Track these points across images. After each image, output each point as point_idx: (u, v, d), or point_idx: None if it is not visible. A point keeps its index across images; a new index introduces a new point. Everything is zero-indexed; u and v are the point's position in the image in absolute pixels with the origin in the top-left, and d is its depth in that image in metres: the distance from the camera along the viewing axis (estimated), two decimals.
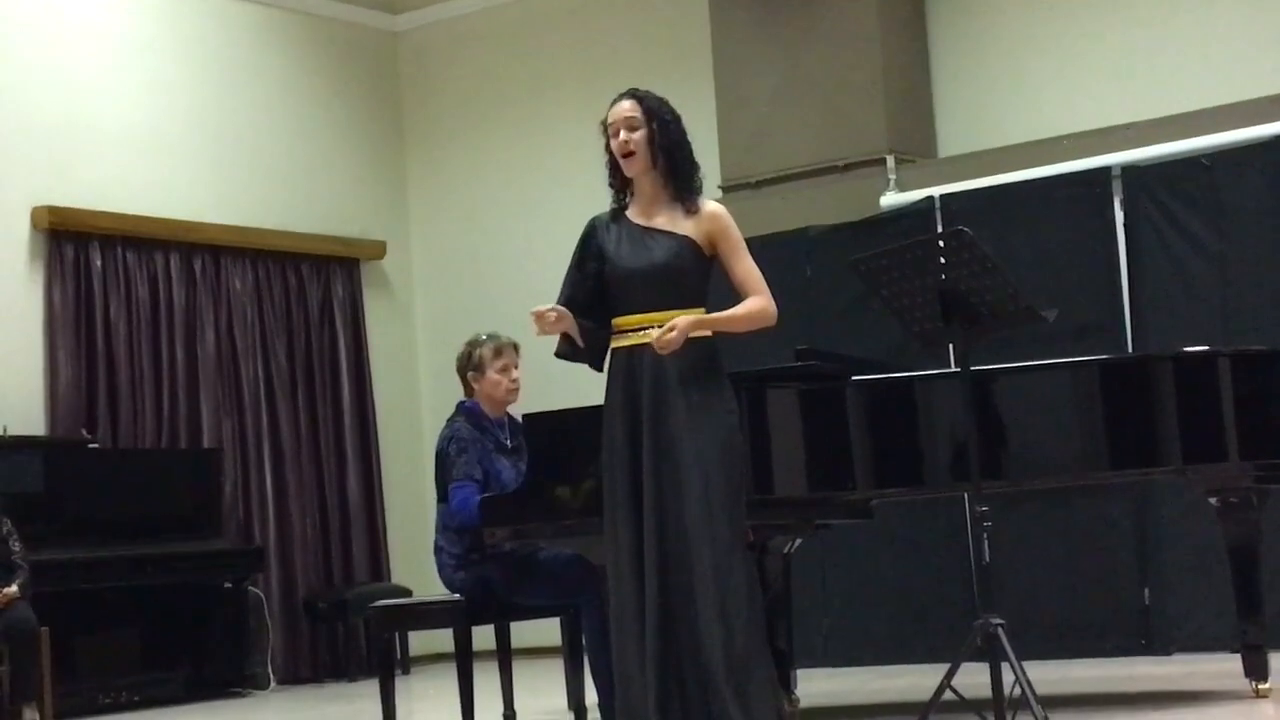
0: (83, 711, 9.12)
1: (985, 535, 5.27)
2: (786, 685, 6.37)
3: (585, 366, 5.45)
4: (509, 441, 6.63)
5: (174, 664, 9.91)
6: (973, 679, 5.13)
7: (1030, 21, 9.77)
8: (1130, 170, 8.56)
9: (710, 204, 5.26)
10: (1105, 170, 8.64)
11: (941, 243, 5.39)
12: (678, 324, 5.05)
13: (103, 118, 10.62)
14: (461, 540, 6.44)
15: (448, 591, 6.55)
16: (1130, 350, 8.31)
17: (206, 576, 10.08)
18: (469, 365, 6.67)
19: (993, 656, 5.16)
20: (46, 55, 10.39)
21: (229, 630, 10.13)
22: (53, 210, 10.12)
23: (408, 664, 10.64)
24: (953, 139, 9.91)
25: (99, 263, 10.33)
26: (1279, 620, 6.90)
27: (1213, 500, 6.08)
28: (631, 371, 5.19)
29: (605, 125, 5.25)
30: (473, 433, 6.54)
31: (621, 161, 5.22)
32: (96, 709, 9.25)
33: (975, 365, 5.49)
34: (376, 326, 12.02)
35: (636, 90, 5.29)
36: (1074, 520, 8.47)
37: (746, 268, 5.23)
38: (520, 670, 7.22)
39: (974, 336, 5.41)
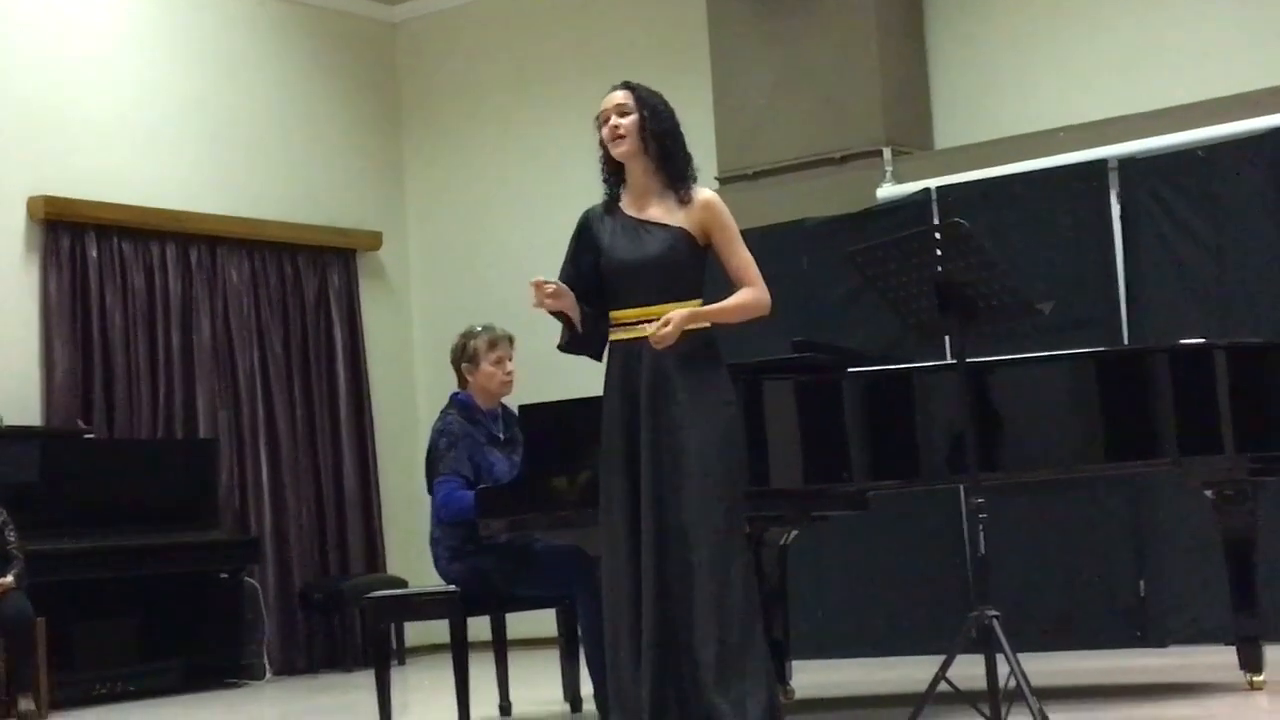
0: (79, 702, 9.12)
1: (981, 527, 5.27)
2: (782, 677, 6.38)
3: (581, 358, 5.46)
4: (501, 434, 6.64)
5: (170, 654, 9.90)
6: (968, 671, 5.13)
7: (1027, 14, 9.76)
8: (1127, 162, 8.56)
9: (703, 192, 5.25)
10: (1102, 162, 8.63)
11: (938, 235, 5.39)
12: (672, 319, 5.05)
13: (99, 108, 10.61)
14: (456, 532, 6.44)
15: (443, 582, 6.55)
16: (1126, 342, 8.32)
17: (202, 567, 10.07)
18: (463, 356, 6.68)
19: (988, 648, 5.16)
20: (42, 45, 10.37)
21: (225, 621, 10.13)
22: (49, 200, 10.11)
23: (403, 655, 10.65)
24: (949, 131, 9.91)
25: (95, 253, 10.32)
26: (1274, 612, 6.91)
27: (1208, 493, 6.08)
28: (629, 365, 5.19)
29: (598, 116, 5.26)
30: (464, 426, 6.54)
31: (610, 146, 5.21)
32: (92, 699, 9.25)
33: (971, 357, 5.49)
34: (372, 317, 12.02)
35: (630, 81, 5.29)
36: (1070, 512, 8.47)
37: (741, 257, 5.23)
38: (516, 661, 7.24)
39: (970, 328, 5.40)
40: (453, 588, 6.46)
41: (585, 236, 5.32)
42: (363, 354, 11.83)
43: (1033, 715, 4.96)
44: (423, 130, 12.45)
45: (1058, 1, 9.64)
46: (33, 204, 10.10)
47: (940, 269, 5.30)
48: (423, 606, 6.74)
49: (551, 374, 7.06)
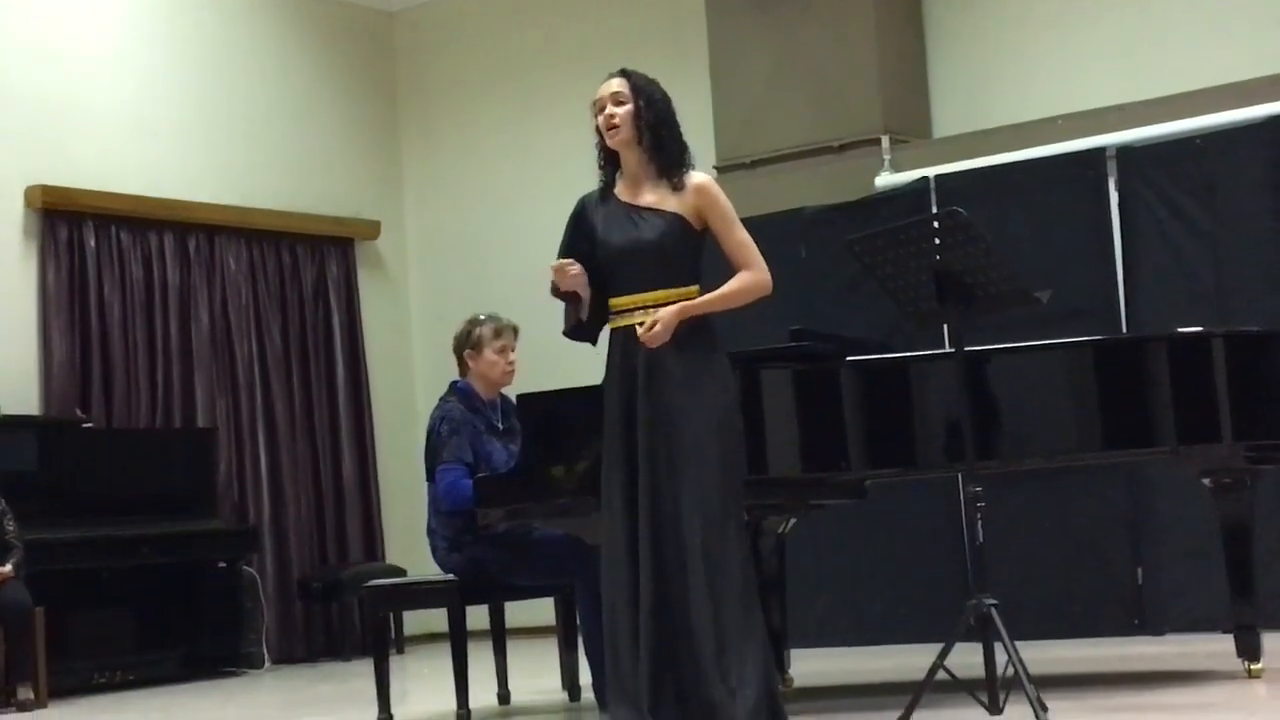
0: (77, 691, 9.13)
1: (979, 515, 5.27)
2: (781, 665, 6.39)
3: (579, 346, 5.46)
4: (500, 423, 6.63)
5: (169, 643, 9.92)
6: (966, 659, 5.14)
7: (1025, 3, 9.76)
8: (1125, 151, 8.56)
9: (697, 176, 5.25)
10: (1100, 151, 8.63)
11: (936, 223, 5.39)
12: (661, 317, 5.06)
13: (97, 97, 10.61)
14: (454, 523, 6.44)
15: (442, 571, 6.55)
16: (1124, 331, 8.32)
17: (201, 556, 10.07)
18: (467, 343, 6.67)
19: (986, 636, 5.17)
20: (41, 34, 10.36)
21: (224, 610, 10.14)
22: (47, 189, 10.11)
23: (402, 644, 10.66)
24: (948, 119, 9.90)
25: (93, 242, 10.32)
26: (1272, 600, 6.92)
27: (1206, 481, 6.09)
28: (627, 352, 5.19)
29: (594, 103, 5.26)
30: (465, 414, 6.54)
31: (605, 135, 5.22)
32: (91, 688, 9.26)
33: (970, 346, 5.50)
34: (371, 306, 12.02)
35: (626, 69, 5.29)
36: (1067, 501, 8.48)
37: (738, 239, 5.22)
38: (514, 650, 7.25)
39: (968, 317, 5.41)
40: (451, 577, 6.46)
41: (580, 223, 5.32)
42: (361, 343, 11.83)
43: (1030, 703, 4.97)
44: (421, 120, 12.44)
45: None
46: (30, 193, 10.10)
47: (938, 258, 5.30)
48: (421, 595, 6.74)
49: (549, 363, 7.06)
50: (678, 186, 5.21)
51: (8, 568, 8.40)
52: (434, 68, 12.40)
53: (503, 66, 12.03)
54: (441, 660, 6.74)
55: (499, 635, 7.13)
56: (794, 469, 5.89)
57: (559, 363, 6.85)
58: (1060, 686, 5.89)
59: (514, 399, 6.45)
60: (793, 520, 6.43)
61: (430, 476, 6.56)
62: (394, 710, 6.45)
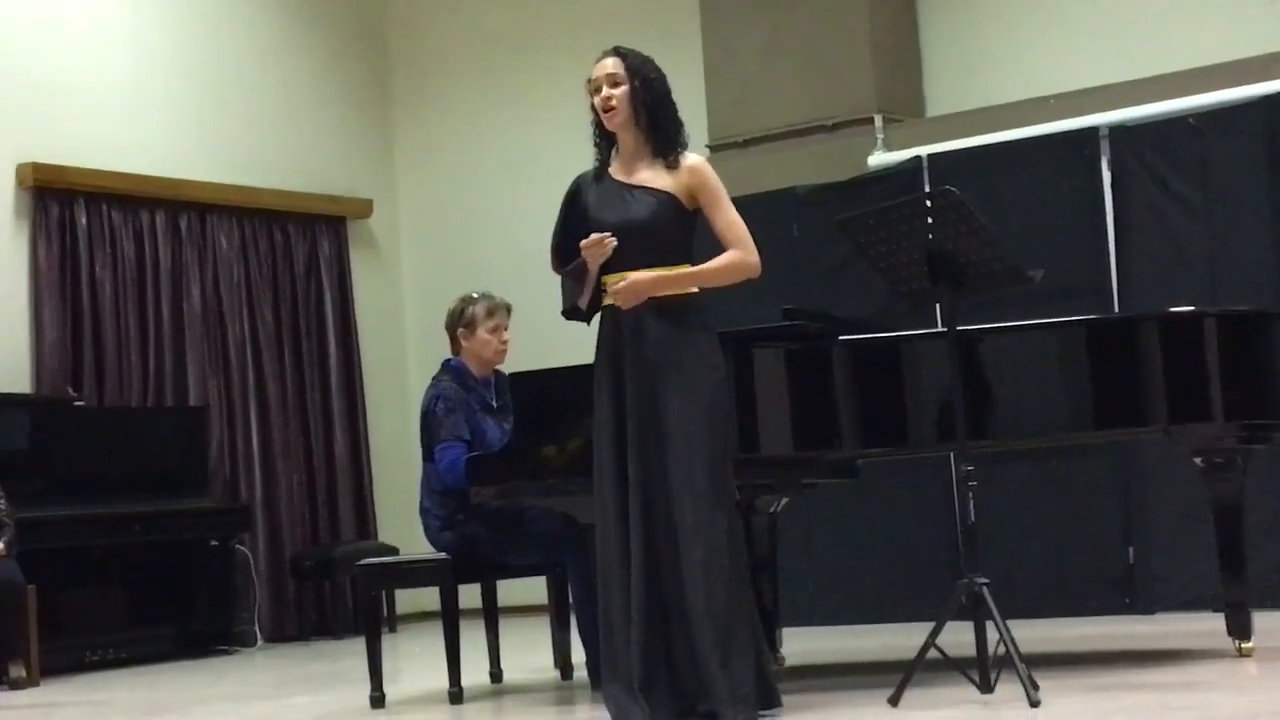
0: (69, 669, 9.14)
1: (971, 495, 5.28)
2: (773, 644, 6.39)
3: (572, 325, 5.47)
4: (494, 401, 6.63)
5: (160, 622, 9.92)
6: (958, 638, 5.15)
7: None
8: (1118, 130, 8.56)
9: (690, 157, 5.26)
10: (1093, 130, 8.63)
11: (929, 202, 5.39)
12: (630, 276, 5.07)
13: (88, 74, 10.57)
14: (446, 502, 6.44)
15: (434, 550, 6.56)
16: (1117, 310, 8.33)
17: (193, 534, 10.07)
18: (460, 321, 6.66)
19: (977, 615, 5.18)
20: (31, 11, 10.33)
21: (215, 588, 10.14)
22: (37, 167, 10.08)
23: (394, 622, 10.66)
24: (941, 98, 9.90)
25: (84, 220, 10.30)
26: (1262, 579, 6.94)
27: (1198, 460, 6.09)
28: (616, 330, 5.20)
29: (589, 82, 5.26)
30: (459, 392, 6.54)
31: (603, 117, 5.23)
32: (83, 666, 9.27)
33: (962, 325, 5.50)
34: (363, 284, 12.01)
35: (620, 48, 5.29)
36: (1059, 480, 8.49)
37: (728, 220, 5.23)
38: (507, 629, 7.25)
39: (961, 296, 5.41)
40: (444, 555, 6.46)
41: (575, 203, 5.33)
42: (353, 321, 11.82)
43: (1022, 681, 4.98)
44: (413, 98, 12.41)
45: None
46: (21, 171, 10.07)
47: (931, 237, 5.30)
48: (414, 574, 6.75)
49: (542, 341, 7.06)
50: (672, 166, 5.22)
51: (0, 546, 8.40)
52: (427, 45, 12.37)
53: (496, 44, 12.01)
54: (434, 639, 6.75)
55: (491, 614, 7.13)
56: (786, 448, 5.88)
57: (552, 341, 6.85)
58: (1052, 665, 5.90)
59: (508, 375, 6.47)
60: (785, 499, 6.43)
61: (427, 456, 6.56)
62: (386, 688, 6.46)
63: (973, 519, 5.30)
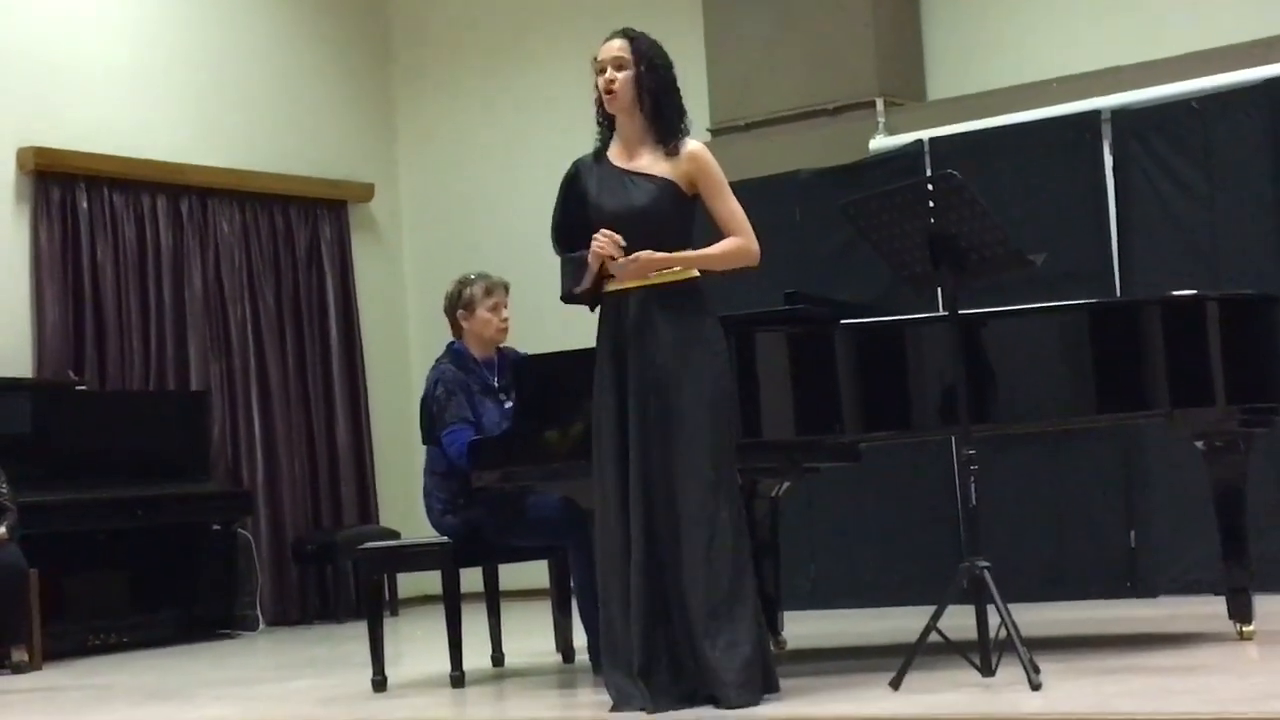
0: (71, 653, 9.15)
1: (972, 478, 5.28)
2: (774, 628, 6.41)
3: (572, 308, 5.47)
4: (496, 381, 6.63)
5: (163, 606, 9.93)
6: (959, 621, 5.16)
7: None
8: (1120, 114, 8.55)
9: (690, 144, 5.26)
10: (1095, 114, 8.62)
11: (931, 186, 5.38)
12: (639, 255, 5.07)
13: (89, 58, 10.56)
14: (449, 485, 6.45)
15: (436, 534, 6.56)
16: (1119, 294, 8.32)
17: (195, 518, 10.08)
18: (459, 303, 6.66)
19: (979, 599, 5.18)
20: None
21: (218, 572, 10.15)
22: (39, 152, 10.07)
23: (396, 606, 10.67)
24: (942, 82, 9.88)
25: (85, 205, 10.29)
26: (1264, 563, 6.93)
27: (1199, 444, 6.09)
28: (619, 316, 5.21)
29: (595, 61, 5.25)
30: (457, 375, 6.53)
31: (605, 98, 5.21)
32: (85, 650, 9.28)
33: (964, 309, 5.50)
34: (364, 269, 12.00)
35: (630, 30, 5.28)
36: (1061, 464, 8.49)
37: (729, 208, 5.24)
38: (508, 613, 7.26)
39: (963, 280, 5.41)
40: (445, 539, 6.47)
41: (574, 186, 5.33)
42: (355, 305, 11.82)
43: (1023, 665, 4.98)
44: (414, 81, 12.40)
45: None
46: (22, 155, 10.07)
47: (933, 221, 5.30)
48: (415, 558, 6.75)
49: (542, 324, 7.06)
50: (672, 153, 5.22)
51: (1, 530, 8.40)
52: (428, 29, 12.35)
53: (497, 27, 11.99)
54: (435, 623, 6.75)
55: (493, 598, 7.14)
56: (788, 432, 5.88)
57: (552, 324, 6.84)
58: (1053, 648, 5.90)
59: (519, 352, 6.48)
60: (787, 483, 6.44)
61: (426, 439, 6.56)
62: (388, 672, 6.46)
63: (974, 502, 5.30)
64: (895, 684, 5.17)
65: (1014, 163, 8.68)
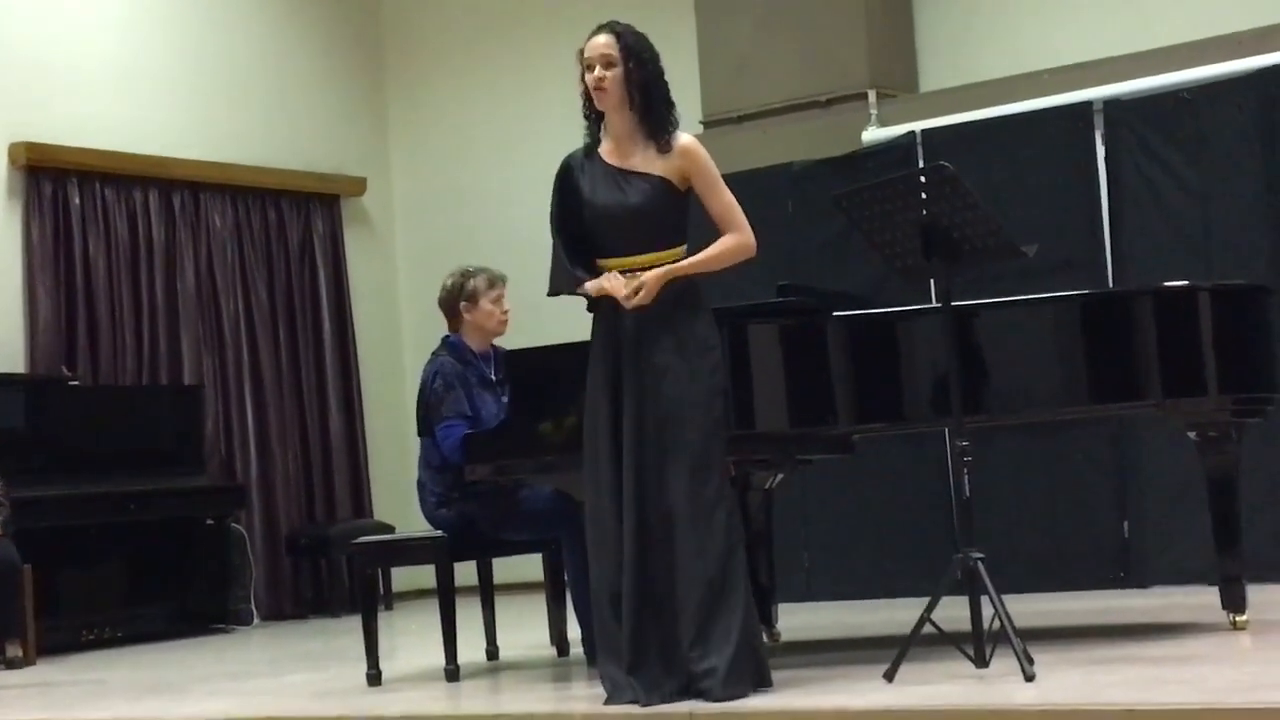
0: (66, 647, 9.14)
1: (966, 469, 5.28)
2: (768, 620, 6.41)
3: (564, 302, 5.47)
4: (493, 374, 6.63)
5: (157, 600, 9.93)
6: (953, 612, 5.16)
7: None
8: (1112, 104, 8.54)
9: (683, 139, 5.24)
10: (1087, 104, 8.61)
11: (923, 178, 5.38)
12: (645, 282, 5.07)
13: (80, 52, 10.55)
14: (444, 478, 6.44)
15: (430, 527, 6.56)
16: (1111, 285, 8.33)
17: (188, 513, 10.08)
18: (461, 295, 6.65)
19: (972, 590, 5.18)
20: None
21: (212, 566, 10.15)
22: (30, 146, 10.06)
23: (390, 600, 10.67)
24: (934, 73, 9.88)
25: (77, 199, 10.28)
26: (1256, 553, 6.94)
27: (1192, 434, 6.10)
28: (614, 314, 5.20)
29: (581, 55, 5.23)
30: (456, 367, 6.53)
31: (594, 95, 5.20)
32: (80, 645, 9.28)
33: (956, 300, 5.49)
34: (357, 262, 11.99)
35: (615, 24, 5.25)
36: (1054, 454, 8.49)
37: (724, 203, 5.23)
38: (503, 606, 7.26)
39: (955, 272, 5.40)
40: (439, 533, 6.46)
41: (566, 183, 5.32)
42: (347, 299, 11.81)
43: (1017, 656, 4.99)
44: (407, 74, 12.39)
45: None
46: (14, 150, 10.06)
47: (925, 212, 5.30)
48: (409, 552, 6.74)
49: (534, 318, 7.06)
50: (664, 149, 5.20)
51: None
52: (420, 22, 12.34)
53: (489, 20, 11.98)
54: (430, 616, 6.75)
55: (487, 591, 7.14)
56: (781, 424, 5.89)
57: (545, 318, 6.83)
58: (1046, 639, 5.91)
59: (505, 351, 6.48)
60: (780, 475, 6.44)
61: (422, 431, 6.56)
62: (382, 666, 6.46)
63: (967, 494, 5.30)
64: (889, 676, 5.17)
65: (1006, 154, 8.67)
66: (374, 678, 6.41)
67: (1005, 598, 5.11)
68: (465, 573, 6.72)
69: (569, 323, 5.95)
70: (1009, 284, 6.68)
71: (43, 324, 10.00)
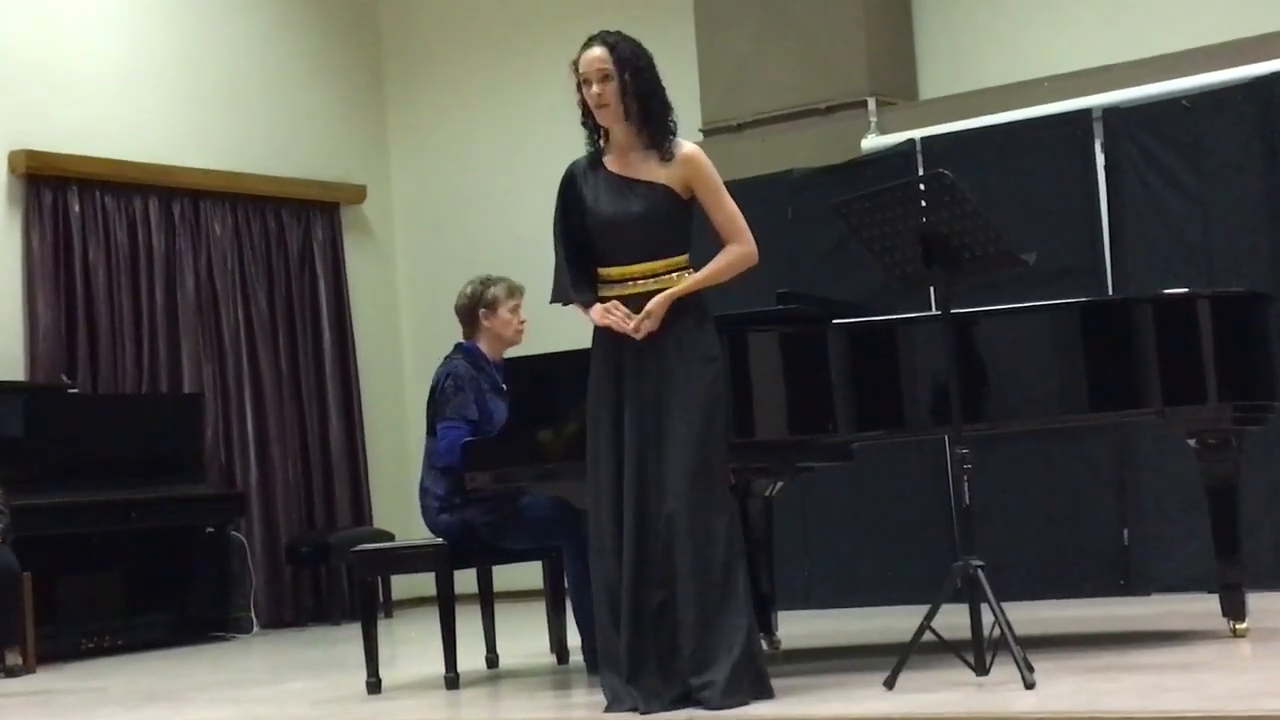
0: (65, 655, 9.14)
1: (965, 477, 5.29)
2: (768, 628, 6.41)
3: (565, 311, 5.47)
4: (504, 384, 6.63)
5: (157, 608, 9.93)
6: (953, 620, 5.16)
7: None
8: (1111, 112, 8.55)
9: (685, 147, 5.25)
10: (1086, 112, 8.62)
11: (922, 185, 5.39)
12: (652, 310, 5.09)
13: (80, 60, 10.55)
14: (446, 483, 6.45)
15: (430, 535, 6.56)
16: (1111, 292, 8.33)
17: (188, 521, 10.07)
18: (481, 302, 6.67)
19: (972, 598, 5.18)
20: None
21: (212, 574, 10.14)
22: (30, 154, 10.06)
23: (390, 608, 10.67)
24: (934, 81, 9.88)
25: (77, 207, 10.28)
26: (1257, 560, 6.95)
27: (1192, 441, 6.10)
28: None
29: (575, 67, 5.23)
30: (470, 371, 6.54)
31: (596, 112, 5.21)
32: (79, 653, 9.27)
33: (956, 308, 5.50)
34: (357, 271, 11.99)
35: (607, 35, 5.25)
36: (1054, 462, 8.50)
37: (727, 212, 5.25)
38: (502, 613, 7.26)
39: (955, 279, 5.41)
40: (439, 541, 6.47)
41: (570, 193, 5.32)
42: (347, 307, 11.81)
43: (1017, 664, 4.99)
44: (406, 82, 12.39)
45: None
46: (14, 158, 10.06)
47: (925, 220, 5.30)
48: (409, 559, 6.74)
49: (535, 326, 7.05)
50: (666, 157, 5.21)
51: None
52: (420, 31, 12.35)
53: (489, 29, 11.98)
54: (430, 624, 6.75)
55: (487, 599, 7.14)
56: (781, 432, 5.89)
57: (545, 326, 6.84)
58: (1046, 647, 5.91)
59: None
60: (780, 483, 6.44)
61: (430, 430, 6.56)
62: (382, 674, 6.46)
63: (967, 501, 5.30)
64: (889, 683, 5.17)
65: (1006, 162, 8.68)
66: (374, 686, 6.41)
67: (1005, 605, 5.11)
68: (465, 580, 6.72)
69: (569, 331, 5.95)
70: (1009, 291, 6.68)
71: (43, 332, 9.99)
